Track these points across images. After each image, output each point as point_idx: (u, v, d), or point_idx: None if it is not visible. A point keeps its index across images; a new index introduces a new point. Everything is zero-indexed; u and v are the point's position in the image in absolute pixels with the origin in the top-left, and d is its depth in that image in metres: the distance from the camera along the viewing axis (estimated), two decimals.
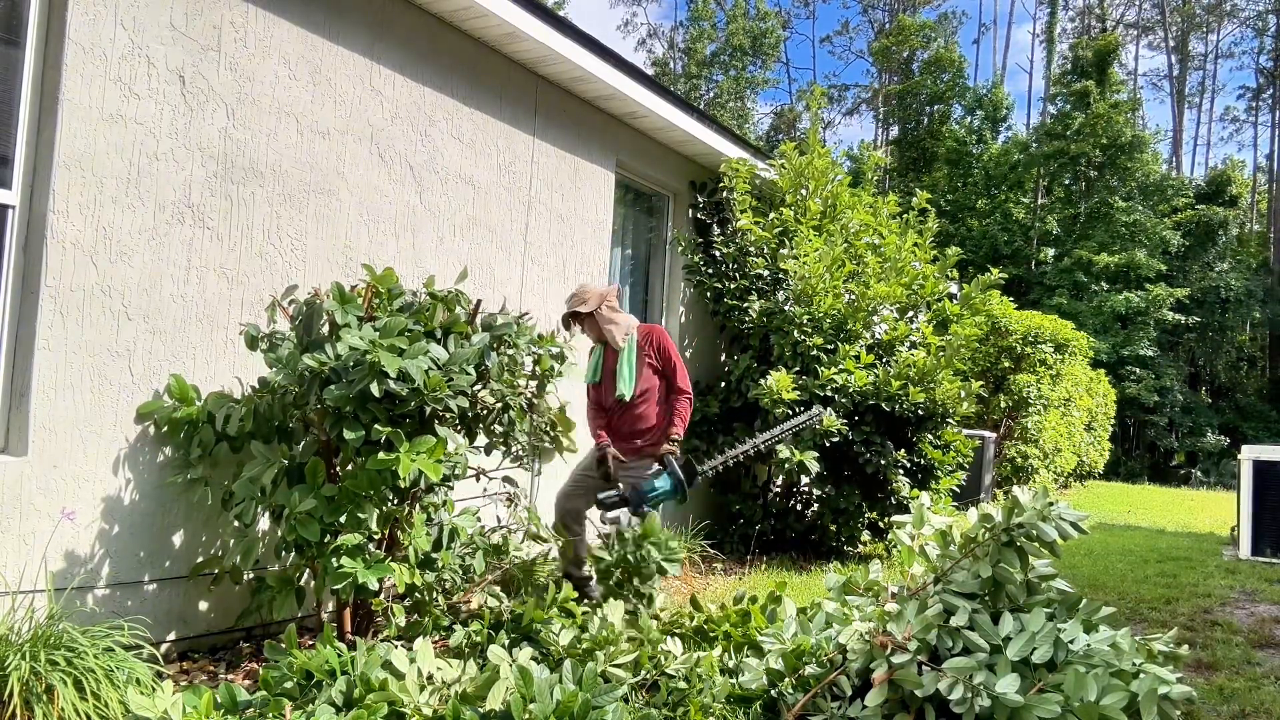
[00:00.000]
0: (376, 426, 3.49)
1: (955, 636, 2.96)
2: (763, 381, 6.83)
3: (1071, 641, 2.88)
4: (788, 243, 7.44)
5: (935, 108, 35.80)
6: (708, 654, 3.51)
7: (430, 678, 3.09)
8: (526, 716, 2.77)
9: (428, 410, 3.58)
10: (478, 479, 4.35)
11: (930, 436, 7.53)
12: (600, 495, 4.43)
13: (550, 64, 5.72)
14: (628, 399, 4.58)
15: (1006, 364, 13.49)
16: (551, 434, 4.56)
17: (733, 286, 7.43)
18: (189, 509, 3.92)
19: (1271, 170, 37.05)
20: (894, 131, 38.86)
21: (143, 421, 3.75)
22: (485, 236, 5.48)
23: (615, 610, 3.69)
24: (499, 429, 4.17)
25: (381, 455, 3.44)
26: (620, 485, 4.56)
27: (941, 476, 7.59)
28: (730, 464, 4.82)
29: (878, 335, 7.54)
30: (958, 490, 7.89)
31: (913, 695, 2.91)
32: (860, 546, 7.73)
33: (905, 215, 8.34)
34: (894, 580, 3.39)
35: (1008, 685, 2.76)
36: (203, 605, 3.97)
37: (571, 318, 4.71)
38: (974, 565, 3.08)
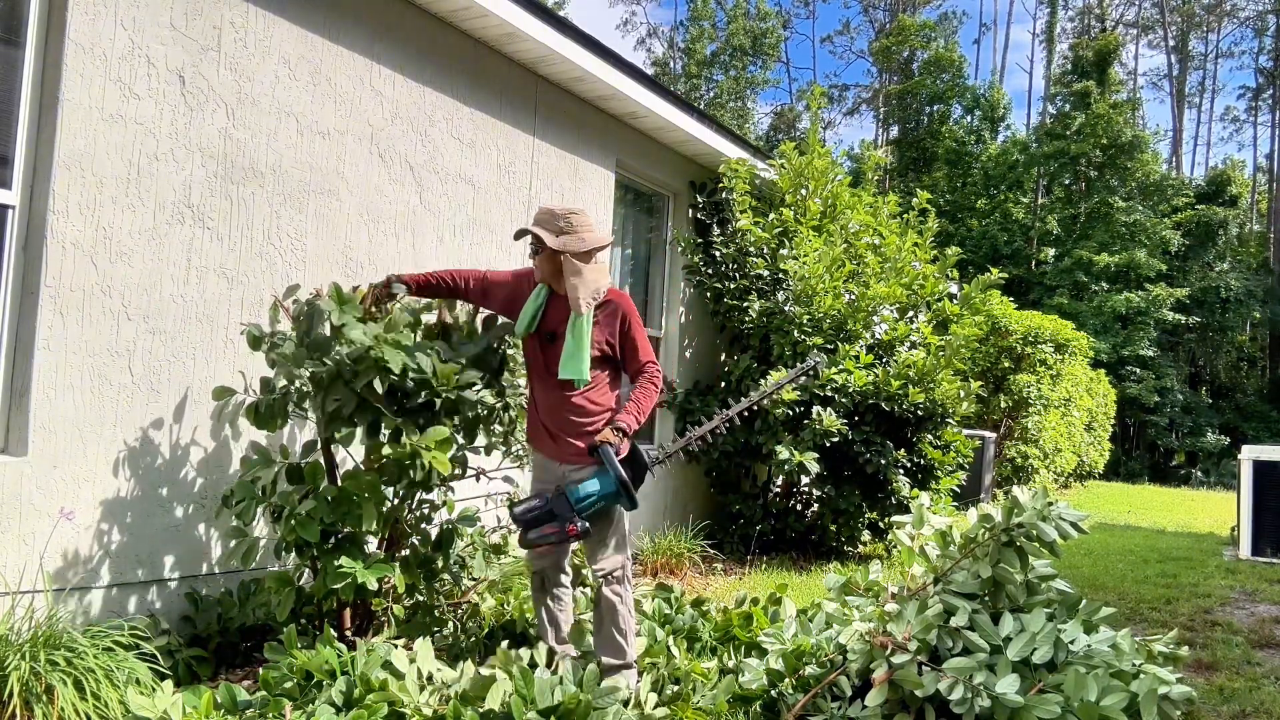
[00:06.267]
0: (383, 423, 3.49)
1: (955, 637, 2.96)
2: (763, 381, 6.83)
3: (1072, 642, 2.88)
4: (787, 243, 7.44)
5: (935, 108, 35.78)
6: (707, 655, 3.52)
7: (430, 678, 3.09)
8: (526, 717, 2.77)
9: (437, 404, 3.57)
10: (478, 479, 4.35)
11: (930, 436, 7.53)
12: (516, 508, 3.37)
13: (550, 64, 5.72)
14: (577, 385, 3.41)
15: (1006, 364, 13.49)
16: None
17: (732, 287, 7.42)
18: (189, 509, 3.92)
19: (1271, 170, 37.03)
20: (894, 131, 38.83)
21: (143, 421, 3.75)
22: (485, 236, 5.48)
23: None
24: (499, 429, 4.17)
25: (386, 450, 3.43)
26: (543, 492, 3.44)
27: (941, 476, 7.59)
28: (703, 442, 3.80)
29: (878, 335, 7.54)
30: (958, 490, 7.88)
31: (913, 695, 2.91)
32: (860, 547, 7.73)
33: (905, 215, 8.34)
34: (894, 580, 3.38)
35: (1008, 685, 2.76)
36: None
37: (524, 235, 3.45)
38: (974, 565, 3.08)
